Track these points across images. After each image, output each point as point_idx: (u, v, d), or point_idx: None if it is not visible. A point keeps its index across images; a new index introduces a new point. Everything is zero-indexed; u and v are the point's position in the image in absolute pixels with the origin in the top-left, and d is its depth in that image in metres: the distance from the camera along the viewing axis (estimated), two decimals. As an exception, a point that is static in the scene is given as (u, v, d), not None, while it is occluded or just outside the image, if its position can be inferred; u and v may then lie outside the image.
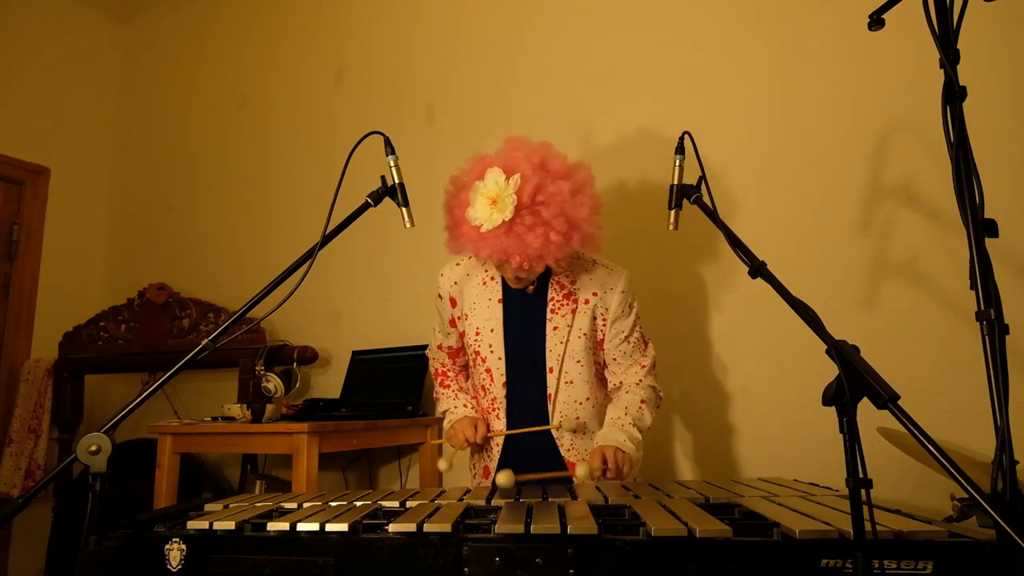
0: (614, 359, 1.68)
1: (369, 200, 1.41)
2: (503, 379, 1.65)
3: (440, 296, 1.77)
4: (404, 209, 1.44)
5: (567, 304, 1.65)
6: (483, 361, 1.67)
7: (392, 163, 1.43)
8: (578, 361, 1.64)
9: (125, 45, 3.86)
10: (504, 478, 1.45)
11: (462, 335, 1.75)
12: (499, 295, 1.68)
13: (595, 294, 1.65)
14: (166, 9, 3.71)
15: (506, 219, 1.43)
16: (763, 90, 2.14)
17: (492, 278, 1.70)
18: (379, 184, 1.42)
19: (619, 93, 2.38)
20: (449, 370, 1.84)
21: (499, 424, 1.66)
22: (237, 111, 3.36)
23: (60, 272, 3.45)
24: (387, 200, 1.43)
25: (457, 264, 1.76)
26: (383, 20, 2.98)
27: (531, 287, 1.66)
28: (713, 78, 2.23)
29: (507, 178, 1.44)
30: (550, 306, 1.65)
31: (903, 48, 1.89)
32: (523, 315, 1.67)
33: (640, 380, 1.66)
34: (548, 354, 1.63)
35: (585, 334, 1.64)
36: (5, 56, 3.32)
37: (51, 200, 3.45)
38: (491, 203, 1.45)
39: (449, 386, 1.81)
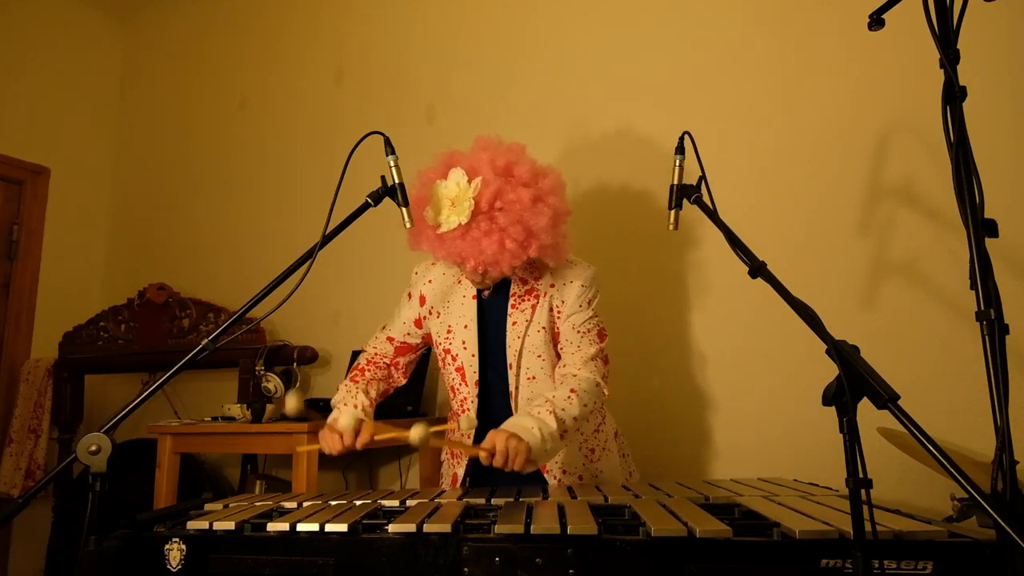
0: (561, 348, 1.61)
1: (369, 200, 1.41)
2: (475, 377, 1.61)
3: (410, 295, 1.73)
4: (404, 209, 1.44)
5: (528, 299, 1.61)
6: (453, 359, 1.64)
7: (392, 163, 1.43)
8: (539, 356, 1.59)
9: (125, 45, 3.86)
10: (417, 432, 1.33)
11: (426, 337, 1.71)
12: (473, 291, 1.65)
13: (552, 286, 1.61)
14: (166, 9, 3.71)
15: (462, 222, 1.42)
16: (763, 90, 2.14)
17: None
18: (379, 184, 1.42)
19: (619, 93, 2.38)
20: (370, 368, 1.70)
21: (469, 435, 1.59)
22: (237, 111, 3.36)
23: (60, 272, 3.45)
24: (387, 200, 1.43)
25: (432, 263, 1.72)
26: (383, 20, 2.98)
27: (486, 292, 1.63)
28: (713, 78, 2.23)
29: (469, 180, 1.44)
30: (511, 302, 1.62)
31: (903, 48, 1.89)
32: (491, 313, 1.64)
33: (578, 370, 1.54)
34: (508, 350, 1.59)
35: (544, 327, 1.59)
36: (5, 56, 3.32)
37: (51, 200, 3.45)
38: (451, 204, 1.44)
39: (357, 381, 1.64)
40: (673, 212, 1.44)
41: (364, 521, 1.10)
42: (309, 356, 2.79)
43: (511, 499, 1.25)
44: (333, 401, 1.61)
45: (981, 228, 0.97)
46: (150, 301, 3.10)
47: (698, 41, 2.27)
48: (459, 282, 1.67)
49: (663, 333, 1.95)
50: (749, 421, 2.05)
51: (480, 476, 1.64)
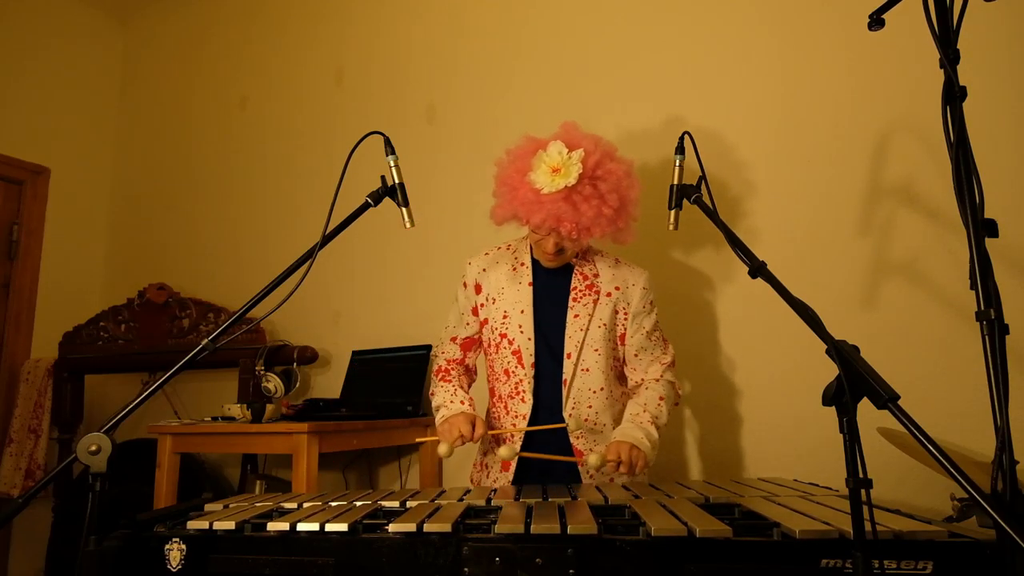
0: (635, 355, 1.72)
1: (369, 200, 1.41)
2: (531, 359, 1.66)
3: (465, 284, 1.79)
4: (404, 209, 1.44)
5: (589, 294, 1.69)
6: (510, 343, 1.68)
7: (392, 163, 1.43)
8: (596, 350, 1.66)
9: (125, 45, 3.86)
10: (506, 451, 1.53)
11: (483, 324, 1.76)
12: (530, 279, 1.72)
13: (617, 288, 1.70)
14: (166, 9, 3.71)
15: (568, 184, 1.50)
16: (763, 90, 2.14)
17: (523, 264, 1.74)
18: (379, 184, 1.42)
19: (619, 93, 2.38)
20: (453, 368, 1.82)
21: (524, 407, 1.65)
22: (237, 111, 3.36)
23: (60, 272, 3.45)
24: (387, 200, 1.43)
25: (486, 253, 1.80)
26: (383, 20, 2.98)
27: (554, 264, 1.70)
28: (714, 78, 2.23)
29: (570, 151, 1.53)
30: (572, 294, 1.69)
31: (903, 48, 1.89)
32: (548, 301, 1.70)
33: (660, 376, 1.70)
34: (567, 340, 1.66)
35: (604, 324, 1.67)
36: (5, 56, 3.32)
37: (51, 200, 3.45)
38: (552, 171, 1.52)
39: (450, 381, 1.78)
40: (673, 212, 1.44)
41: (364, 521, 1.10)
42: (309, 356, 2.79)
43: (511, 499, 1.26)
44: (436, 403, 1.74)
45: (981, 228, 0.97)
46: (150, 301, 3.10)
47: (698, 41, 2.27)
48: (514, 269, 1.74)
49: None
50: (749, 421, 2.06)
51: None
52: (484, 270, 1.76)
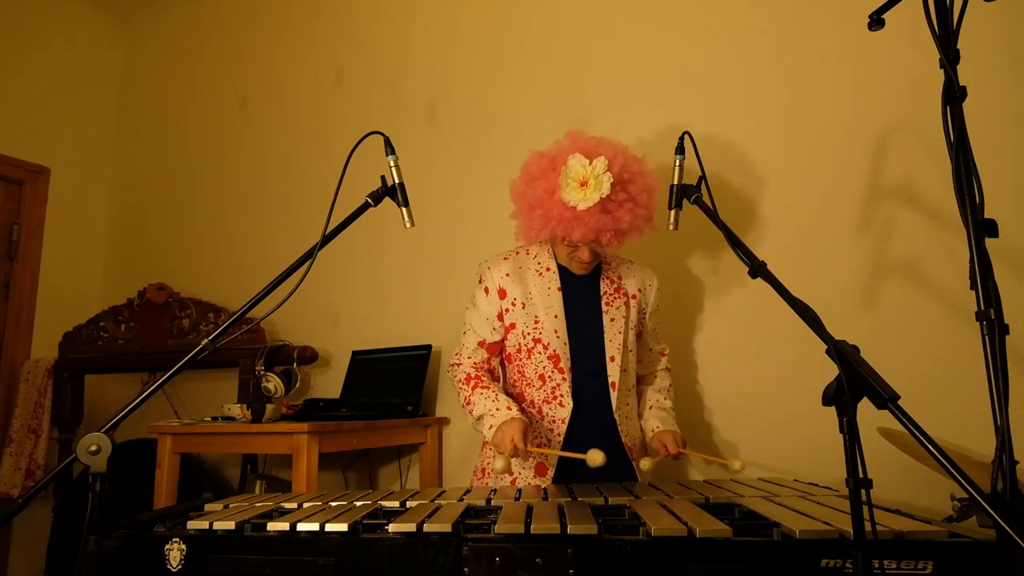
0: (648, 349, 1.84)
1: (369, 200, 1.41)
2: (569, 364, 1.67)
3: (487, 290, 1.74)
4: (404, 209, 1.44)
5: (619, 297, 1.74)
6: (545, 348, 1.68)
7: (392, 163, 1.43)
8: (631, 351, 1.75)
9: (125, 45, 3.86)
10: (501, 464, 1.51)
11: (508, 329, 1.73)
12: (557, 284, 1.72)
13: (640, 290, 1.78)
14: (166, 9, 3.71)
15: (603, 195, 1.51)
16: (763, 90, 2.14)
17: (548, 269, 1.74)
18: (379, 184, 1.42)
19: (619, 93, 2.38)
20: (483, 374, 1.73)
21: (563, 411, 1.65)
22: (237, 111, 3.36)
23: (60, 272, 3.45)
24: (387, 200, 1.43)
25: (504, 259, 1.77)
26: (383, 20, 2.98)
27: (585, 271, 1.73)
28: (713, 77, 2.23)
29: (590, 161, 1.53)
30: (604, 299, 1.73)
31: (903, 48, 1.89)
32: (581, 306, 1.72)
33: (667, 367, 1.90)
34: (608, 344, 1.69)
35: (635, 326, 1.76)
36: (5, 56, 3.32)
37: (51, 200, 3.45)
38: (579, 185, 1.53)
39: (488, 387, 1.67)
40: (673, 212, 1.44)
41: (364, 521, 1.10)
42: (309, 356, 2.79)
43: (511, 499, 1.26)
44: (478, 412, 1.64)
45: (981, 228, 0.97)
46: (150, 301, 3.10)
47: (698, 41, 2.27)
48: (540, 274, 1.73)
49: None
50: (749, 421, 2.05)
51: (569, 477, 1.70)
52: (507, 275, 1.73)
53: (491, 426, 1.57)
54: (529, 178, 1.64)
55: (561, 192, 1.54)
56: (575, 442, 1.64)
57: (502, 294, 1.73)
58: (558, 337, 1.68)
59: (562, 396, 1.66)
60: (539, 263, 1.75)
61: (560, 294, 1.71)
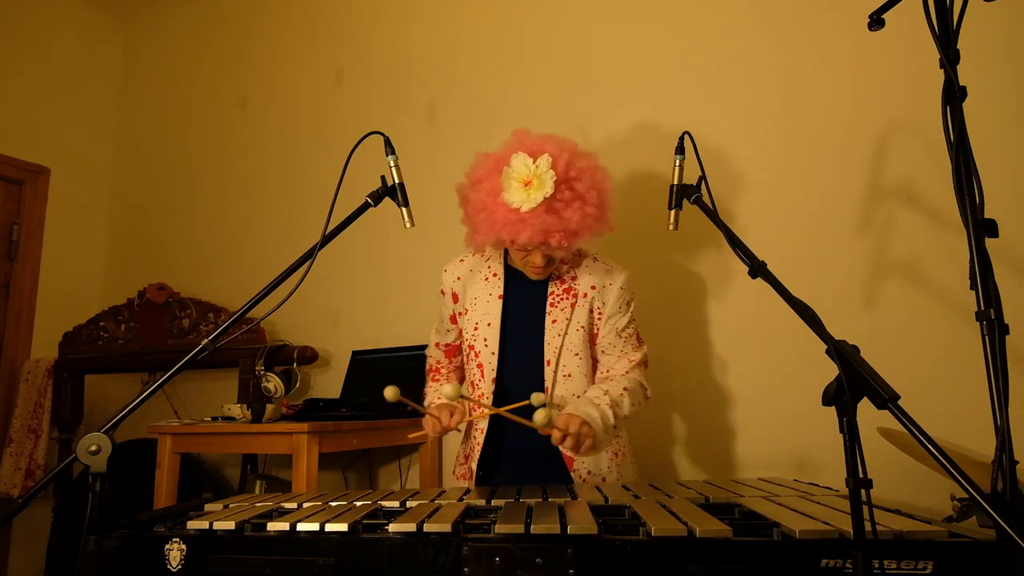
0: (603, 352, 1.66)
1: (369, 200, 1.41)
2: (493, 374, 1.63)
3: (442, 292, 1.76)
4: (404, 209, 1.44)
5: (567, 298, 1.64)
6: (476, 356, 1.67)
7: (392, 163, 1.43)
8: (576, 354, 1.62)
9: (125, 45, 3.86)
10: (391, 392, 1.39)
11: (461, 332, 1.75)
12: (500, 291, 1.67)
13: (593, 288, 1.64)
14: (166, 9, 3.71)
15: (547, 195, 1.43)
16: (763, 90, 2.14)
17: (495, 274, 1.70)
18: (379, 184, 1.42)
19: (619, 93, 2.38)
20: (443, 367, 1.83)
21: (483, 422, 1.64)
22: (237, 111, 3.36)
23: (60, 272, 3.45)
24: (387, 200, 1.43)
25: (461, 260, 1.76)
26: (383, 20, 2.98)
27: (541, 277, 1.65)
28: (713, 78, 2.23)
29: (534, 160, 1.46)
30: (550, 300, 1.65)
31: (903, 48, 1.89)
32: (524, 311, 1.66)
33: (627, 372, 1.63)
34: (546, 347, 1.61)
35: (583, 327, 1.62)
36: (5, 56, 3.32)
37: (51, 200, 3.46)
38: (524, 185, 1.46)
39: (437, 380, 1.80)
40: (673, 212, 1.44)
41: (364, 521, 1.09)
42: (309, 356, 2.79)
43: (511, 499, 1.25)
44: (426, 403, 1.73)
45: (981, 228, 0.97)
46: (150, 301, 3.10)
47: (698, 41, 2.27)
48: (486, 279, 1.70)
49: (661, 334, 1.95)
50: (749, 421, 2.06)
51: (490, 475, 1.67)
52: (459, 279, 1.73)
53: (429, 402, 1.71)
54: (474, 180, 1.57)
55: (504, 194, 1.47)
56: (492, 450, 1.65)
57: (455, 298, 1.74)
58: (487, 346, 1.64)
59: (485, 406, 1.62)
60: (489, 268, 1.71)
61: (500, 302, 1.66)
